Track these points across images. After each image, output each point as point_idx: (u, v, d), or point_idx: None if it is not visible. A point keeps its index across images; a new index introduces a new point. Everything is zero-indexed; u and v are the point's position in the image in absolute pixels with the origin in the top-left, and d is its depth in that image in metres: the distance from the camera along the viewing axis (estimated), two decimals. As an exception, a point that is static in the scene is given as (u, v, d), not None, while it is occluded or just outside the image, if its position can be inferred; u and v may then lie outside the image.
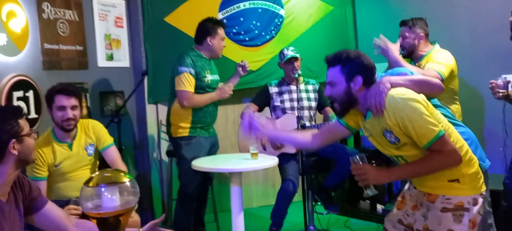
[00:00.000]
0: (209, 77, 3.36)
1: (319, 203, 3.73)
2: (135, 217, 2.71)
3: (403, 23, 3.12)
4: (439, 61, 2.86)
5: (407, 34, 3.06)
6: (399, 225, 2.04)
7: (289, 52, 3.56)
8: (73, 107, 2.67)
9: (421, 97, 1.83)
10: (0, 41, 2.75)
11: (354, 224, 3.97)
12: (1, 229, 1.70)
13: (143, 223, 3.90)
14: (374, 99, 1.84)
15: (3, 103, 2.73)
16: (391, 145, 1.89)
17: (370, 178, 1.84)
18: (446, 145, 1.76)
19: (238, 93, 4.33)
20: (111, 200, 1.47)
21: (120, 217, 1.47)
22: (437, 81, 2.08)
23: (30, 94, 2.97)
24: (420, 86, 1.91)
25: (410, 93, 1.81)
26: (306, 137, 2.26)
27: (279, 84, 3.68)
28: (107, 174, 1.53)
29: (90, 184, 1.47)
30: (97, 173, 1.53)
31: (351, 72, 1.89)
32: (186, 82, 3.24)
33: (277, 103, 3.61)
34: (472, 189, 1.84)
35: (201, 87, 3.31)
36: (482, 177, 1.91)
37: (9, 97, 2.78)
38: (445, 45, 3.08)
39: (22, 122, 1.78)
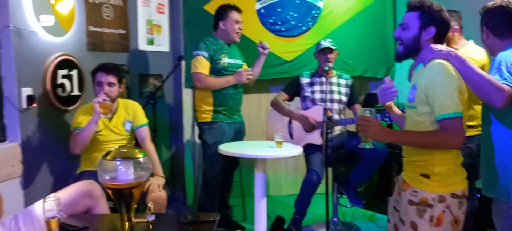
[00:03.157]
0: (226, 61, 3.45)
1: (344, 196, 3.76)
2: (162, 193, 2.88)
3: None
4: (471, 56, 2.80)
5: None
6: (395, 211, 2.08)
7: (326, 43, 3.59)
8: (110, 84, 2.93)
9: (462, 82, 1.85)
10: (48, 22, 2.97)
11: (380, 219, 3.97)
12: None
13: (173, 201, 4.12)
14: (426, 51, 1.89)
15: (49, 80, 2.96)
16: (407, 101, 1.95)
17: (371, 131, 1.86)
18: (457, 126, 1.77)
19: (271, 83, 4.44)
20: (126, 173, 1.61)
21: (133, 189, 1.62)
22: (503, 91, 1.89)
23: (74, 73, 3.19)
24: (481, 86, 1.89)
25: (452, 71, 1.84)
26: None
27: (311, 75, 3.71)
28: (123, 150, 1.68)
29: (108, 158, 1.63)
30: (114, 148, 1.68)
31: (427, 21, 1.92)
32: (199, 64, 3.39)
33: (308, 93, 3.65)
34: (440, 187, 1.85)
35: (217, 70, 3.43)
36: (460, 177, 1.90)
37: (54, 75, 3.01)
38: (480, 44, 3.00)
39: None
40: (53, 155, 3.01)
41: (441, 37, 1.95)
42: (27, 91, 2.82)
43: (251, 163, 4.32)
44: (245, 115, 3.97)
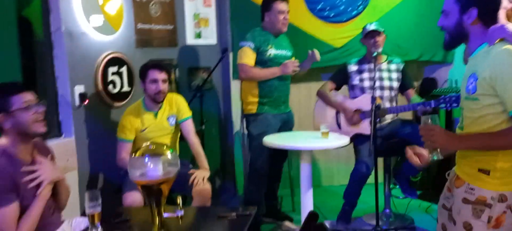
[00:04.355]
0: (272, 52, 3.42)
1: (397, 186, 3.62)
2: (206, 185, 2.92)
3: None
4: None
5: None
6: (444, 210, 1.93)
7: (372, 26, 3.45)
8: (164, 81, 3.01)
9: None
10: (98, 22, 3.11)
11: (436, 211, 3.77)
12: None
13: (224, 191, 4.18)
14: (495, 28, 1.70)
15: (99, 78, 3.11)
16: (465, 92, 1.78)
17: (438, 141, 1.70)
18: None
19: (322, 71, 4.34)
20: (154, 170, 1.65)
21: (161, 185, 1.66)
22: None
23: (124, 69, 3.32)
24: None
25: None
26: None
27: (359, 62, 3.58)
28: (152, 147, 1.72)
29: (137, 154, 1.67)
30: (144, 145, 1.73)
31: (467, 4, 1.75)
32: (244, 55, 3.39)
33: (356, 82, 3.52)
34: (501, 185, 1.68)
35: (263, 62, 3.41)
36: None
37: (105, 72, 3.15)
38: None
39: (16, 98, 1.89)
40: (105, 149, 3.16)
41: (489, 17, 1.73)
42: (79, 89, 2.98)
43: (300, 153, 4.30)
44: (294, 105, 3.93)
